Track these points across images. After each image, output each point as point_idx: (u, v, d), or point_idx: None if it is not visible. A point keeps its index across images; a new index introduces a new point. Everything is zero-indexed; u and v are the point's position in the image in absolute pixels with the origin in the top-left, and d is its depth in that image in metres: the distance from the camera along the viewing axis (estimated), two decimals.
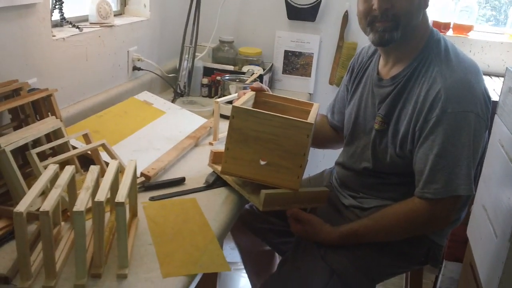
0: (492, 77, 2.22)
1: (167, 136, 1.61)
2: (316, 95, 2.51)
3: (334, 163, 1.62)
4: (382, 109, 1.36)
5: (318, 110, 1.43)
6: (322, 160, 2.54)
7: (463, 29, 2.32)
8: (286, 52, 2.45)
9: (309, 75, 2.47)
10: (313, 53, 2.44)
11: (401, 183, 1.37)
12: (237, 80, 2.08)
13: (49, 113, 1.34)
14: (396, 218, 1.29)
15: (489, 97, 1.29)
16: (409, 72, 1.31)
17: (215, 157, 1.41)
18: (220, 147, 1.53)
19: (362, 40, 2.32)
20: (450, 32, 2.35)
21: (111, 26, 1.82)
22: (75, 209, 0.88)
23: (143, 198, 1.27)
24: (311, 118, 1.29)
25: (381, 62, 1.42)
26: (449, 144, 1.21)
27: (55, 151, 1.30)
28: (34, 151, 1.14)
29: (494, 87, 1.98)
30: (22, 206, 0.86)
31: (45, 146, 1.22)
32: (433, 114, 1.23)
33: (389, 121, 1.34)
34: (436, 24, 2.30)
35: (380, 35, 1.30)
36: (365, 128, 1.43)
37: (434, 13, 2.35)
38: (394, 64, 1.37)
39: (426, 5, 1.32)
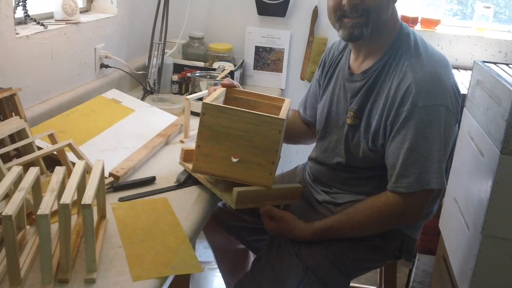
0: (460, 70, 2.25)
1: (137, 134, 1.57)
2: (288, 90, 2.51)
3: (307, 158, 1.61)
4: (354, 104, 1.36)
5: (290, 105, 1.42)
6: (295, 156, 2.54)
7: (431, 23, 2.35)
8: (257, 47, 2.44)
9: (280, 70, 2.46)
10: (284, 49, 2.43)
11: (374, 177, 1.37)
12: (208, 77, 2.06)
13: (13, 113, 1.30)
14: (369, 212, 1.30)
15: (458, 91, 1.30)
16: (380, 67, 1.32)
17: (186, 155, 1.39)
18: (191, 144, 1.50)
19: (332, 35, 2.33)
20: (418, 27, 2.37)
21: (77, 23, 1.77)
22: (39, 212, 0.85)
23: (112, 199, 1.24)
24: (282, 114, 1.28)
25: (352, 56, 1.42)
26: (420, 138, 1.22)
27: (19, 152, 1.26)
28: None
29: (462, 80, 2.01)
30: None
31: (9, 147, 1.19)
32: (404, 108, 1.23)
33: (361, 116, 1.35)
34: (404, 18, 2.32)
35: (349, 31, 1.29)
36: (337, 123, 1.43)
37: (402, 7, 2.37)
38: (364, 58, 1.37)
39: (395, 0, 1.32)
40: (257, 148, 1.23)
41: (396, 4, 1.34)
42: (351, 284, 1.47)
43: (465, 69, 2.26)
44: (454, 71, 1.35)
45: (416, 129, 1.22)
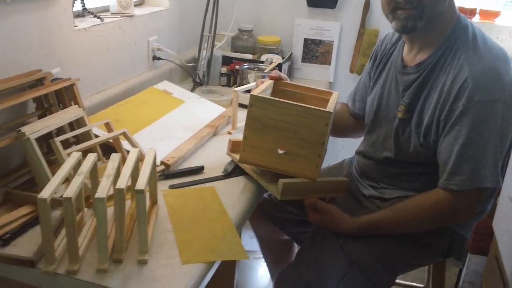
0: None
1: (186, 125, 1.61)
2: (336, 83, 2.49)
3: (354, 152, 1.60)
4: (406, 97, 1.33)
5: (338, 98, 1.41)
6: (342, 150, 2.52)
7: (490, 14, 2.25)
8: (305, 40, 2.43)
9: (329, 63, 2.44)
10: (333, 41, 2.41)
11: (423, 173, 1.35)
12: (256, 69, 2.07)
13: (72, 102, 1.36)
14: (418, 210, 1.27)
15: None
16: (435, 60, 1.28)
17: (234, 146, 1.41)
18: (239, 136, 1.52)
19: (384, 27, 2.29)
20: (476, 18, 2.28)
21: (131, 16, 1.82)
22: (96, 196, 0.89)
23: (163, 186, 1.28)
24: (330, 107, 1.28)
25: (406, 49, 1.39)
26: (476, 134, 1.18)
27: (78, 139, 1.32)
28: (58, 139, 1.16)
29: None
30: (46, 193, 0.88)
31: (68, 135, 1.24)
32: (459, 104, 1.19)
33: (413, 110, 1.32)
34: (462, 10, 2.24)
35: (402, 22, 1.27)
36: (387, 116, 1.41)
37: None
38: (419, 51, 1.34)
39: None
40: (304, 140, 1.23)
41: None
42: (397, 281, 1.45)
43: None
44: None
45: (471, 125, 1.18)
